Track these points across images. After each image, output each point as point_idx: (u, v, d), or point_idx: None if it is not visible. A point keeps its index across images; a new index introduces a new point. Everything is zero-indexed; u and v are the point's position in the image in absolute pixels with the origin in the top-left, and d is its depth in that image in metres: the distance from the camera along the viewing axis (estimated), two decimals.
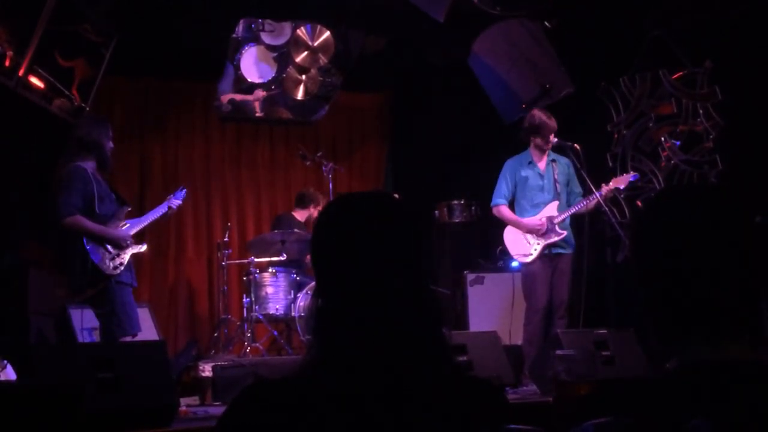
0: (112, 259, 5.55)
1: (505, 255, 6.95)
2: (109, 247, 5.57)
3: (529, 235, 6.52)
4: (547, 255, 6.48)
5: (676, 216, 1.45)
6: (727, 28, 6.90)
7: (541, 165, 6.62)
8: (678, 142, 7.40)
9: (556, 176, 6.55)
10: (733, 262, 1.41)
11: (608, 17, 7.33)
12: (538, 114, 6.56)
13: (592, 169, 6.51)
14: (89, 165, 5.64)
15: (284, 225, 8.16)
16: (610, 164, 7.76)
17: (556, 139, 6.51)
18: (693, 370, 1.38)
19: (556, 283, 6.46)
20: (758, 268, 1.42)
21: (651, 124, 7.61)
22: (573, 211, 6.46)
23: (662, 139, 7.51)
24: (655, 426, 1.27)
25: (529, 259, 6.51)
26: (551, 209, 6.52)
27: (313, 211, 8.39)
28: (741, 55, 6.90)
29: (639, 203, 7.33)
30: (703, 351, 1.40)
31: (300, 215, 8.44)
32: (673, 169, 7.44)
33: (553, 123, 6.51)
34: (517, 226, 6.59)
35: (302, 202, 8.52)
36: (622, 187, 6.53)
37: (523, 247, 6.55)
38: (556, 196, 6.54)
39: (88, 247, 5.47)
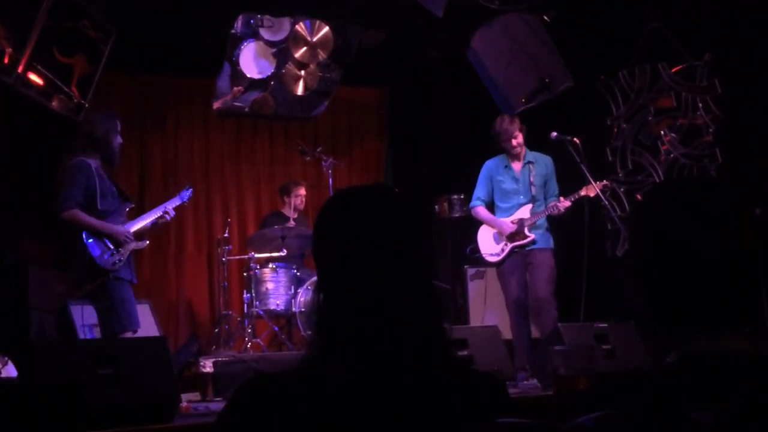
0: (112, 254, 5.55)
1: (476, 253, 7.02)
2: (108, 242, 5.57)
3: (498, 234, 6.60)
4: (518, 252, 6.54)
5: (675, 208, 1.45)
6: (727, 21, 6.89)
7: (516, 167, 6.68)
8: (677, 136, 7.40)
9: (532, 179, 6.60)
10: (733, 253, 1.41)
11: (607, 10, 7.33)
12: (499, 120, 6.65)
13: (591, 163, 6.51)
14: (93, 161, 5.66)
15: (269, 225, 8.18)
16: (610, 158, 7.77)
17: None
18: (693, 361, 1.38)
19: (531, 279, 6.49)
20: (758, 259, 1.42)
21: (650, 118, 7.61)
22: (543, 215, 6.50)
23: (662, 132, 7.51)
24: (656, 418, 1.27)
25: (496, 259, 6.60)
26: (524, 212, 6.58)
27: (287, 201, 8.42)
28: (741, 47, 6.90)
29: (639, 196, 7.32)
30: (703, 343, 1.40)
31: (284, 210, 8.47)
32: (673, 162, 7.44)
33: (512, 127, 6.57)
34: (491, 225, 6.67)
35: (280, 196, 8.60)
36: (592, 195, 6.43)
37: (491, 246, 6.68)
38: (531, 199, 6.58)
39: (87, 242, 5.48)
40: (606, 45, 7.66)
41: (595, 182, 6.40)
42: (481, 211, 6.79)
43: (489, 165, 6.83)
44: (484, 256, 6.76)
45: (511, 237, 6.53)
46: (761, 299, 1.42)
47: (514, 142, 6.58)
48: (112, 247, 5.58)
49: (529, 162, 6.66)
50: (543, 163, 6.69)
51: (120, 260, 5.58)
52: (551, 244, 6.59)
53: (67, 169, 5.60)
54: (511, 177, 6.69)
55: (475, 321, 7.60)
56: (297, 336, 7.80)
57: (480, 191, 6.81)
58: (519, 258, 6.54)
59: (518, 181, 6.66)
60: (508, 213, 6.64)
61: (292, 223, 7.98)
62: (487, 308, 7.46)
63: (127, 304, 5.61)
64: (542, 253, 6.53)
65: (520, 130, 6.59)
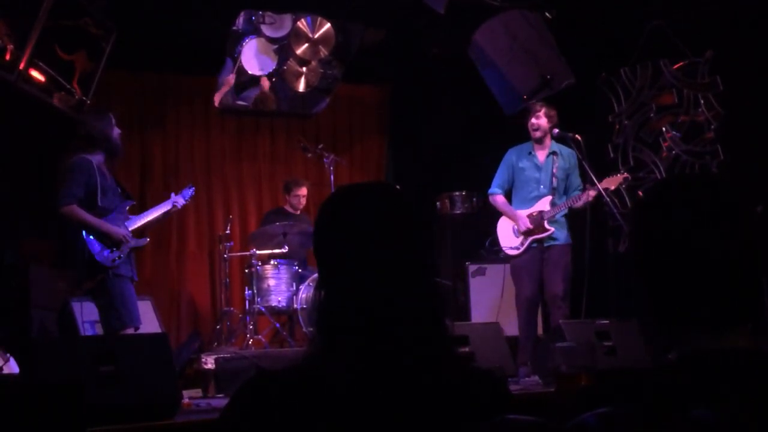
0: (111, 251, 5.56)
1: (495, 246, 6.98)
2: (106, 239, 5.59)
3: (517, 229, 6.55)
4: (536, 247, 6.49)
5: (676, 205, 1.45)
6: (728, 18, 6.88)
7: (541, 156, 6.61)
8: (679, 133, 7.39)
9: (554, 170, 6.53)
10: (734, 251, 1.40)
11: (608, 7, 7.32)
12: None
13: (593, 160, 6.50)
14: (96, 158, 5.68)
15: (269, 222, 8.19)
16: (611, 155, 7.76)
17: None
18: (694, 359, 1.38)
19: (547, 275, 6.45)
20: (759, 257, 1.42)
21: (652, 115, 7.60)
22: (563, 208, 6.44)
23: (663, 129, 7.51)
24: (657, 416, 1.27)
25: (516, 252, 6.55)
26: (544, 204, 6.51)
27: (288, 198, 8.45)
28: (742, 44, 6.89)
29: (640, 193, 7.32)
30: (704, 341, 1.40)
31: (287, 207, 8.49)
32: (675, 159, 7.43)
33: (536, 105, 6.58)
34: (508, 216, 6.62)
35: (283, 193, 8.64)
36: (612, 187, 6.42)
37: (511, 240, 6.59)
38: (551, 191, 6.53)
39: (87, 239, 5.49)
40: (607, 42, 7.65)
41: (615, 175, 6.42)
42: (500, 199, 6.71)
43: (511, 152, 6.76)
44: (504, 249, 6.69)
45: (530, 230, 6.50)
46: (762, 297, 1.42)
47: (533, 119, 6.51)
48: (109, 243, 5.59)
49: (554, 152, 6.60)
50: (567, 155, 6.59)
51: (120, 257, 5.59)
52: (569, 240, 6.56)
53: (67, 166, 5.61)
54: (533, 164, 6.60)
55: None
56: (298, 333, 7.81)
57: (500, 178, 6.73)
58: (536, 253, 6.48)
59: (540, 169, 6.58)
60: (528, 204, 6.56)
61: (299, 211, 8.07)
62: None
63: (127, 300, 5.61)
64: (560, 249, 6.48)
65: (546, 114, 6.52)
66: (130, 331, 5.53)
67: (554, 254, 6.46)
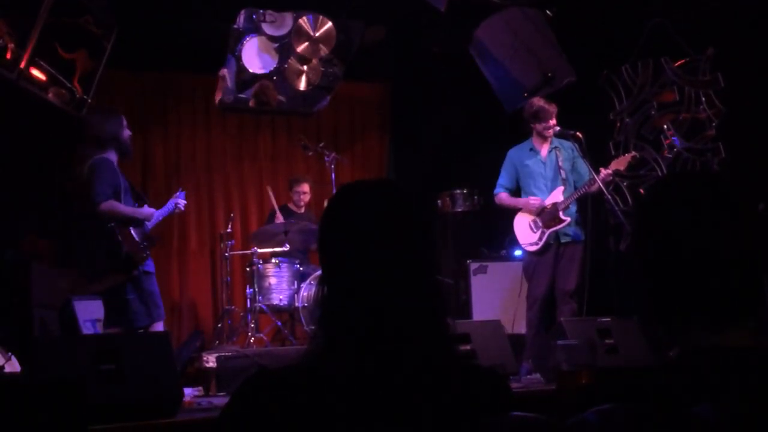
0: (143, 249, 5.69)
1: (515, 245, 6.98)
2: (135, 236, 5.68)
3: (534, 223, 6.54)
4: (553, 244, 6.49)
5: (677, 203, 1.45)
6: (729, 15, 6.87)
7: (543, 152, 6.63)
8: (677, 139, 7.38)
9: (560, 163, 6.55)
10: (736, 249, 1.40)
11: (609, 5, 7.31)
12: (536, 100, 6.63)
13: (594, 158, 6.50)
14: (112, 156, 5.77)
15: (272, 220, 8.21)
16: (613, 152, 7.75)
17: (558, 127, 6.52)
18: (695, 357, 1.38)
19: (562, 271, 6.46)
20: (760, 255, 1.41)
21: (653, 112, 7.59)
22: (576, 196, 6.45)
23: (665, 127, 7.50)
24: (658, 412, 1.27)
25: (535, 248, 6.53)
26: (557, 195, 6.53)
27: (291, 195, 8.49)
28: (743, 41, 6.88)
29: (642, 191, 7.31)
30: (706, 338, 1.40)
31: (290, 204, 8.50)
32: (676, 157, 7.42)
33: (552, 108, 6.55)
34: (517, 206, 6.63)
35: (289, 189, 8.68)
36: (622, 168, 6.49)
37: (529, 236, 6.57)
38: (561, 182, 6.54)
39: (118, 237, 5.57)
40: (608, 40, 7.64)
41: (623, 155, 6.47)
42: (504, 197, 6.72)
43: (512, 153, 6.78)
44: (523, 246, 6.68)
45: (547, 223, 6.48)
46: (763, 295, 1.42)
47: (551, 122, 6.54)
48: (138, 240, 5.69)
49: (555, 147, 6.62)
50: (568, 147, 6.61)
51: (147, 254, 5.72)
52: (582, 236, 6.56)
53: (91, 167, 5.69)
54: (538, 160, 6.63)
55: (478, 316, 7.57)
56: (300, 331, 7.82)
57: (503, 179, 6.75)
58: (552, 250, 6.50)
59: (545, 165, 6.61)
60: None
61: (279, 218, 8.04)
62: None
63: (156, 296, 5.88)
64: (575, 246, 6.50)
65: (557, 114, 6.57)
66: (160, 324, 5.76)
67: (569, 250, 6.48)
